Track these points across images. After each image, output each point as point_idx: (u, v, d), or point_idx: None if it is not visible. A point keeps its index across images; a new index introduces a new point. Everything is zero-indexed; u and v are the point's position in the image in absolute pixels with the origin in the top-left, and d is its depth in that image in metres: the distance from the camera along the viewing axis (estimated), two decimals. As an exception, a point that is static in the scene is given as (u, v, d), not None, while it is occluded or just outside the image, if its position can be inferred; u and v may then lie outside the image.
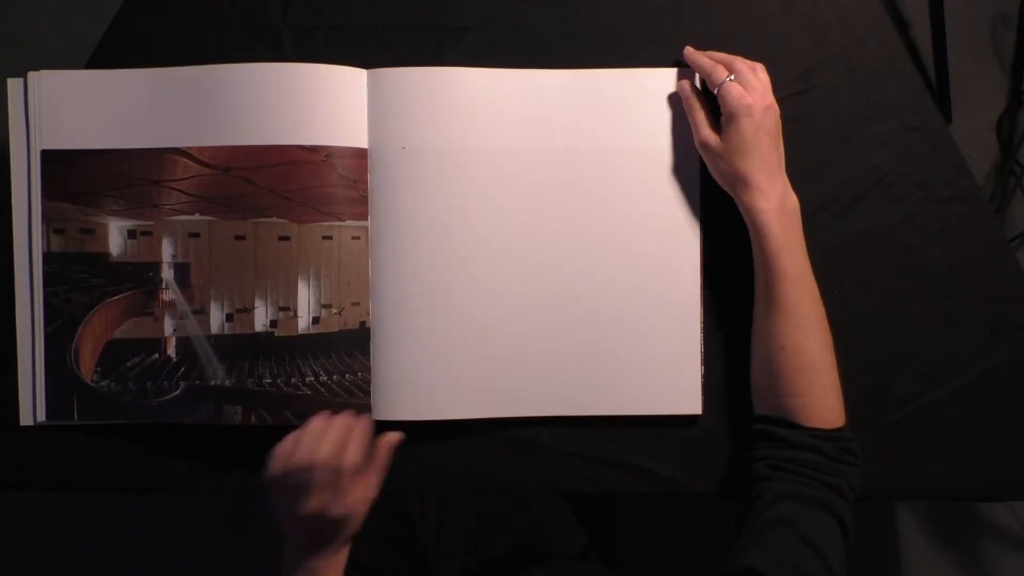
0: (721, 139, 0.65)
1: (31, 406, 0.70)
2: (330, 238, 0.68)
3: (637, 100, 0.70)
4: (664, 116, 0.70)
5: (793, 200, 0.65)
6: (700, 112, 0.67)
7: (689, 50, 0.69)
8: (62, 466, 0.72)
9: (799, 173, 0.70)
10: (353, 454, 0.62)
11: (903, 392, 0.71)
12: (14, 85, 0.69)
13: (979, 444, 0.70)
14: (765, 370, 0.65)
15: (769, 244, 0.63)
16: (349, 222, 0.68)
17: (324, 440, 0.62)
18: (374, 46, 0.73)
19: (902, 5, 1.51)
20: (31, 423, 0.70)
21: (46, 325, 0.69)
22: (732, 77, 0.65)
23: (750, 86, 0.65)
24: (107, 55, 0.73)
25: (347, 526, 0.63)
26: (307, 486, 0.60)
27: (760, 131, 0.64)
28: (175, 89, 0.68)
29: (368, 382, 0.69)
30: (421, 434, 0.70)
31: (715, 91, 0.66)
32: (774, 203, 0.64)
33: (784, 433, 0.62)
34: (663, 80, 0.70)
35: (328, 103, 0.68)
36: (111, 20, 0.73)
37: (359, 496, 0.63)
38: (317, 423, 0.64)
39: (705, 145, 0.66)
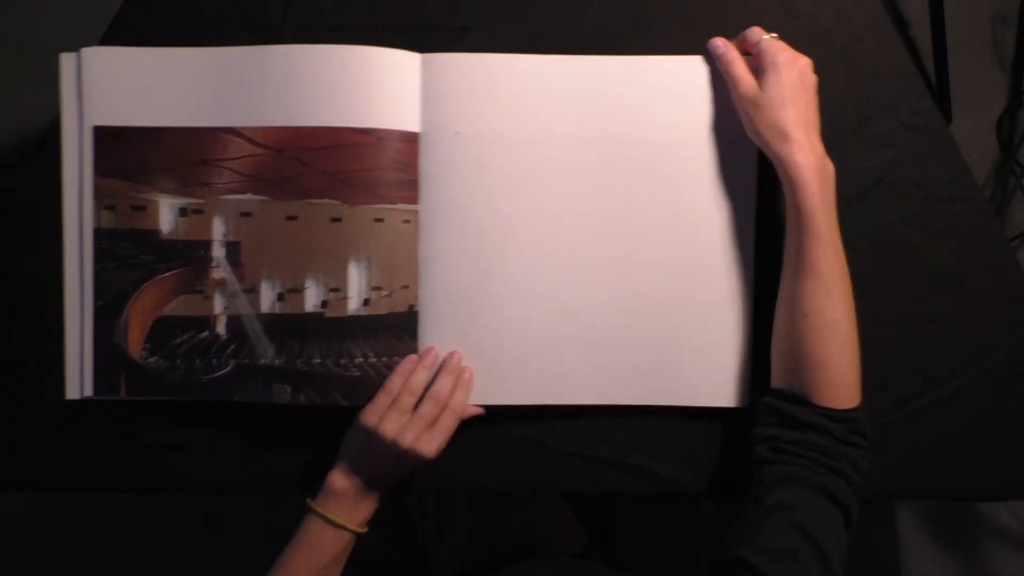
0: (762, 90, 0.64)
1: (78, 380, 0.70)
2: (381, 220, 0.68)
3: (689, 86, 0.69)
4: (717, 102, 0.69)
5: (831, 166, 0.64)
6: (739, 63, 0.66)
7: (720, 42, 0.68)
8: (62, 466, 0.72)
9: (799, 173, 0.70)
10: (460, 398, 0.66)
11: (903, 392, 0.71)
12: (67, 60, 0.69)
13: (979, 444, 0.70)
14: (786, 338, 0.63)
15: (807, 202, 0.61)
16: (400, 205, 0.68)
17: (441, 376, 0.66)
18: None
19: (902, 5, 1.51)
20: (77, 397, 0.70)
21: (95, 300, 0.69)
22: (771, 38, 0.65)
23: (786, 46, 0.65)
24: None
25: (409, 469, 0.66)
26: (413, 416, 0.64)
27: (800, 85, 0.64)
28: (229, 68, 0.68)
29: None
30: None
31: (754, 50, 0.65)
32: (813, 161, 0.62)
33: (793, 410, 0.61)
34: (714, 65, 0.69)
35: (382, 86, 0.67)
36: (111, 20, 0.73)
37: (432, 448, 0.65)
38: (431, 358, 0.67)
39: (747, 96, 0.64)
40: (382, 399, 0.65)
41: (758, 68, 0.65)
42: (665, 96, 0.69)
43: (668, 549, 1.40)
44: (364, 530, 0.66)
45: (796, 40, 0.72)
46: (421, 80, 0.68)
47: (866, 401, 0.62)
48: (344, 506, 0.64)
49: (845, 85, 0.72)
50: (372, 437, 0.64)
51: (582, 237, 0.69)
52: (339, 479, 0.65)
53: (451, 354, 0.68)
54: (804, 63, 0.64)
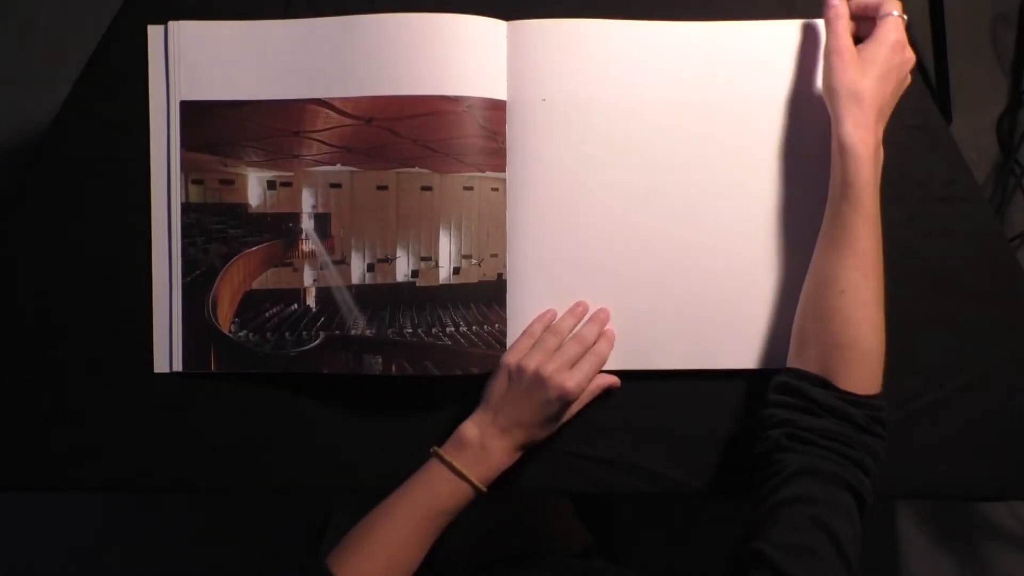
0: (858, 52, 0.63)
1: (167, 355, 0.70)
2: (471, 189, 0.68)
3: (774, 52, 0.69)
4: (802, 67, 0.69)
5: (882, 155, 0.63)
6: (846, 19, 0.64)
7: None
8: (61, 467, 0.72)
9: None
10: (604, 346, 0.67)
11: (903, 392, 0.71)
12: (155, 33, 0.70)
13: (979, 444, 0.70)
14: (815, 314, 0.62)
15: (859, 175, 0.60)
16: (489, 173, 0.68)
17: (587, 323, 0.68)
18: (374, 46, 0.72)
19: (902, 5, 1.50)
20: (166, 371, 0.70)
21: (184, 276, 0.70)
22: (901, 15, 0.64)
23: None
24: (106, 56, 0.73)
25: (554, 420, 0.65)
26: (554, 352, 0.65)
27: (896, 72, 0.63)
28: (316, 40, 0.68)
29: (504, 334, 0.70)
30: (420, 434, 0.71)
31: (875, 13, 0.64)
32: (872, 139, 0.61)
33: (814, 392, 0.59)
34: (803, 31, 0.69)
35: (469, 54, 0.68)
36: (110, 21, 0.73)
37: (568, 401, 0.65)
38: (580, 308, 0.68)
39: (839, 51, 0.63)
40: (523, 341, 0.67)
41: (865, 34, 0.64)
42: (753, 62, 0.69)
43: (669, 548, 1.40)
44: (484, 489, 0.64)
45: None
46: (507, 47, 0.68)
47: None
48: (471, 457, 0.63)
49: (845, 85, 0.71)
50: (513, 374, 0.65)
51: (668, 202, 0.69)
52: (470, 427, 0.64)
53: (600, 309, 0.69)
54: (910, 56, 0.64)
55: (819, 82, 0.68)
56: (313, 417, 0.72)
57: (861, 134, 0.61)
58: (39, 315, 0.72)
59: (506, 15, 0.69)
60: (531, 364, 0.64)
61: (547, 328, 0.67)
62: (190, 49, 0.69)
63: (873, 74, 0.62)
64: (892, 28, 0.63)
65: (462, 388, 0.70)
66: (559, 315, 0.69)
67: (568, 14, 0.69)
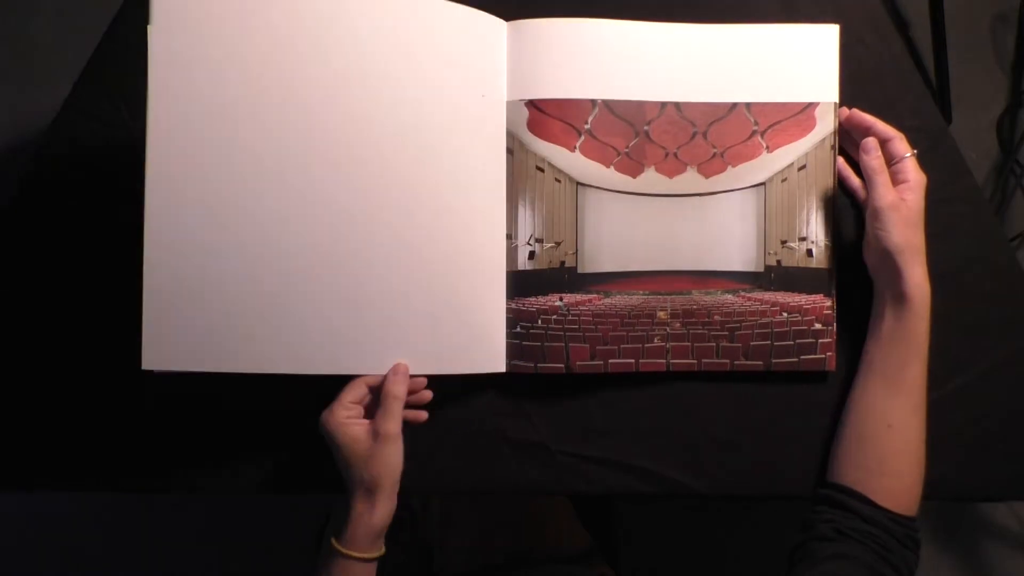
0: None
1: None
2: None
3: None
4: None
5: None
6: (887, 173, 0.65)
7: (857, 113, 0.69)
8: (61, 466, 0.72)
9: (799, 173, 0.70)
10: (397, 385, 0.62)
11: (903, 392, 0.71)
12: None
13: (979, 444, 0.70)
14: (861, 444, 0.64)
15: (921, 324, 0.64)
16: None
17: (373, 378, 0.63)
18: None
19: (902, 5, 1.51)
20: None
21: None
22: (913, 152, 0.66)
23: None
24: (106, 56, 0.73)
25: (382, 461, 0.61)
26: (356, 410, 0.62)
27: (921, 212, 0.65)
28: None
29: None
30: (420, 434, 0.71)
31: (895, 161, 0.66)
32: (928, 288, 0.64)
33: (858, 506, 0.62)
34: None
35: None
36: (110, 21, 0.73)
37: (390, 450, 0.61)
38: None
39: (895, 207, 0.63)
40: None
41: (898, 181, 0.65)
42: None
43: (670, 548, 1.40)
44: (382, 551, 0.64)
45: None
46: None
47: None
48: (362, 535, 0.61)
49: (845, 85, 0.71)
50: (328, 436, 0.62)
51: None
52: (353, 521, 0.62)
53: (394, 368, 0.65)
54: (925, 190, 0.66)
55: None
56: (223, 445, 0.71)
57: (924, 284, 0.64)
58: (29, 316, 0.72)
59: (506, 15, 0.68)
60: (331, 419, 0.61)
61: None
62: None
63: (917, 222, 0.64)
64: (915, 170, 0.65)
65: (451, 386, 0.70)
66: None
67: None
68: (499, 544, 0.87)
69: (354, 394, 0.63)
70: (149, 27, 0.59)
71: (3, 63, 1.51)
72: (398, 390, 0.62)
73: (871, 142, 0.65)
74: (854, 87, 0.72)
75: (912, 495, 0.63)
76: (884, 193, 0.63)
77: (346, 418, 0.61)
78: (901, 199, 0.64)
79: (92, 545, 1.44)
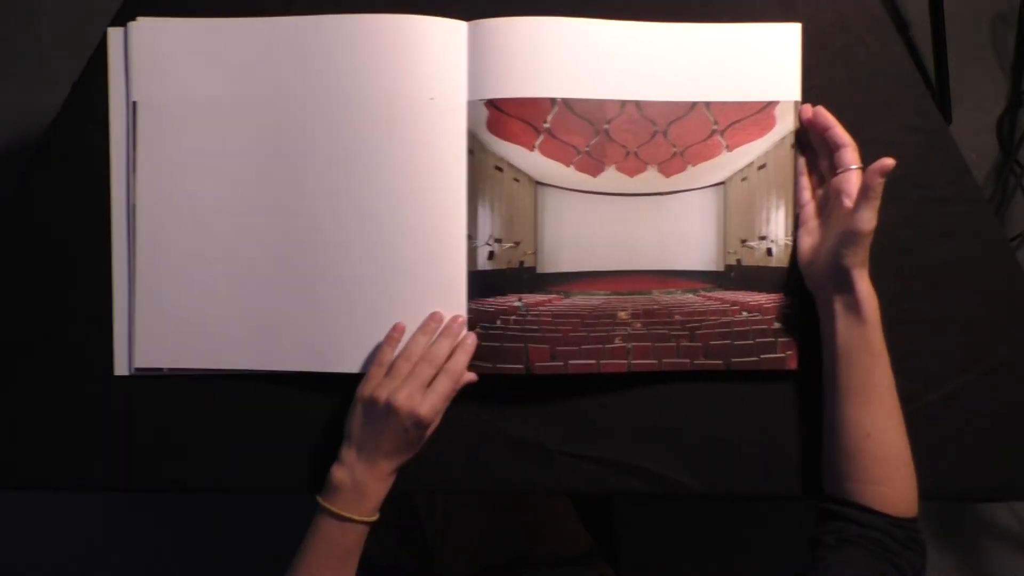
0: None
1: (126, 357, 0.71)
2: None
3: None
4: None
5: None
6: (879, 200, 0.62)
7: (822, 110, 0.67)
8: (60, 466, 0.72)
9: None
10: (459, 361, 0.66)
11: (903, 392, 0.70)
12: (114, 35, 0.70)
13: (979, 444, 0.70)
14: (844, 456, 0.64)
15: (877, 333, 0.63)
16: None
17: (439, 339, 0.67)
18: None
19: (902, 5, 1.51)
20: (126, 373, 0.71)
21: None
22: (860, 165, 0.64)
23: None
24: (106, 56, 0.73)
25: (415, 441, 0.65)
26: (407, 377, 0.64)
27: None
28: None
29: None
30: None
31: (841, 169, 0.65)
32: (874, 293, 0.64)
33: (856, 515, 0.62)
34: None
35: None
36: (110, 21, 0.73)
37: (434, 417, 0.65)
38: (433, 322, 0.67)
39: (871, 233, 0.62)
40: (374, 370, 0.66)
41: (841, 190, 0.64)
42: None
43: (670, 549, 1.40)
44: (374, 518, 0.65)
45: (796, 40, 0.72)
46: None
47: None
48: (349, 497, 0.64)
49: (845, 85, 0.72)
50: (367, 407, 0.65)
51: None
52: (339, 470, 0.65)
53: (453, 318, 0.68)
54: None
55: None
56: (223, 444, 0.72)
57: (874, 294, 0.64)
58: (19, 314, 0.72)
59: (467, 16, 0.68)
60: (383, 394, 0.63)
61: (401, 353, 0.66)
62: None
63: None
64: (876, 184, 0.62)
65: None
66: (408, 332, 0.68)
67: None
68: (500, 545, 0.87)
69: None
70: (108, 29, 0.68)
71: (3, 63, 1.51)
72: (470, 376, 0.68)
73: (889, 164, 0.61)
74: (854, 87, 0.72)
75: (906, 497, 0.63)
76: (871, 218, 0.62)
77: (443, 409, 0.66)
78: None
79: (93, 545, 1.44)
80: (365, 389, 0.65)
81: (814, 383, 0.69)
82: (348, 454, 0.65)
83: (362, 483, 0.64)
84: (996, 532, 1.41)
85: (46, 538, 1.44)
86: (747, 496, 0.71)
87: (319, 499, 0.65)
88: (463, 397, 0.70)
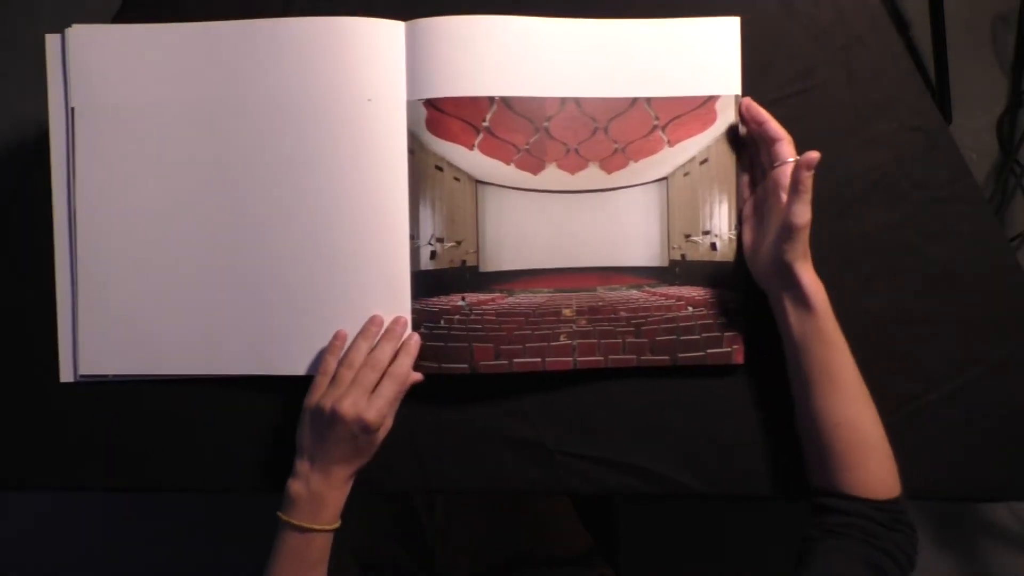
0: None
1: (71, 362, 0.71)
2: None
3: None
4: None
5: None
6: (810, 192, 0.62)
7: (754, 104, 0.67)
8: (59, 465, 0.72)
9: (799, 173, 0.70)
10: (402, 364, 0.66)
11: (903, 392, 0.71)
12: (52, 41, 0.70)
13: (979, 444, 0.70)
14: (818, 447, 0.64)
15: (829, 322, 0.63)
16: None
17: (381, 342, 0.67)
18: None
19: (902, 5, 1.51)
20: (71, 380, 0.71)
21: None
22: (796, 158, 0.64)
23: None
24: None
25: (367, 447, 0.65)
26: (350, 384, 0.64)
27: None
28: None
29: None
30: (420, 435, 0.71)
31: (778, 163, 0.64)
32: (820, 283, 0.64)
33: (837, 503, 0.62)
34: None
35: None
36: (110, 20, 0.73)
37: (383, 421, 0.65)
38: (374, 327, 0.67)
39: (807, 225, 0.62)
40: (319, 380, 0.66)
41: (778, 183, 0.64)
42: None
43: (671, 549, 1.40)
44: (336, 525, 0.65)
45: (796, 40, 0.72)
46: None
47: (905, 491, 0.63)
48: (308, 508, 0.64)
49: (845, 85, 0.72)
50: (314, 418, 0.65)
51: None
52: (295, 483, 0.65)
53: (395, 320, 0.68)
54: None
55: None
56: (222, 444, 0.72)
57: (820, 284, 0.64)
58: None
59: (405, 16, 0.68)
60: (328, 403, 0.63)
61: (342, 360, 0.66)
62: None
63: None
64: (807, 179, 0.61)
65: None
66: (350, 337, 0.68)
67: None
68: (500, 545, 0.87)
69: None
70: (47, 35, 0.69)
71: (3, 63, 1.51)
72: (416, 376, 0.68)
73: (814, 157, 0.61)
74: (854, 87, 0.72)
75: (884, 479, 0.62)
76: (804, 211, 0.62)
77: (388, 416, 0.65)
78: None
79: (92, 545, 1.44)
80: (311, 400, 0.65)
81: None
82: (302, 466, 0.65)
83: (319, 493, 0.64)
84: (996, 532, 1.41)
85: (46, 538, 1.44)
86: (747, 496, 0.71)
87: (280, 514, 0.65)
88: (462, 397, 0.71)
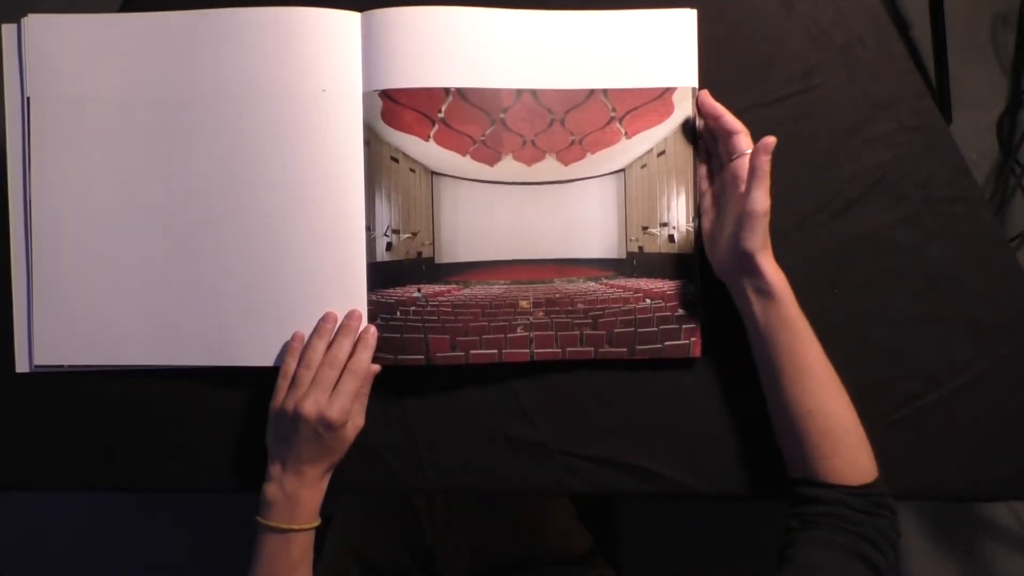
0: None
1: (26, 352, 0.71)
2: None
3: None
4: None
5: None
6: (768, 179, 0.62)
7: (708, 98, 0.67)
8: (59, 465, 0.72)
9: (799, 173, 0.70)
10: (360, 358, 0.66)
11: (903, 392, 0.71)
12: (8, 31, 0.70)
13: (979, 444, 0.70)
14: (791, 436, 0.64)
15: (792, 310, 0.63)
16: None
17: (338, 338, 0.67)
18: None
19: (902, 5, 1.51)
20: (26, 370, 0.71)
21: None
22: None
23: None
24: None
25: (336, 444, 0.65)
26: (310, 384, 0.64)
27: None
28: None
29: None
30: (420, 435, 0.71)
31: (736, 155, 0.64)
32: (781, 272, 0.64)
33: (815, 492, 0.62)
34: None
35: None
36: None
37: (350, 419, 0.66)
38: (328, 324, 0.67)
39: (766, 212, 0.62)
40: (280, 383, 0.66)
41: (737, 175, 0.64)
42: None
43: (671, 548, 1.40)
44: (316, 523, 0.66)
45: (796, 40, 0.72)
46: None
47: (883, 475, 0.63)
48: (285, 510, 0.64)
49: (845, 85, 0.72)
50: (278, 421, 0.65)
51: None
52: (269, 487, 0.65)
53: (348, 314, 0.68)
54: None
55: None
56: (222, 444, 0.72)
57: (780, 272, 0.63)
58: None
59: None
60: (290, 405, 0.64)
61: (300, 361, 0.66)
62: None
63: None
64: (765, 164, 0.61)
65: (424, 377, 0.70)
66: (307, 337, 0.67)
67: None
68: (500, 545, 0.87)
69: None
70: (2, 25, 0.69)
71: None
72: (374, 368, 0.68)
73: (771, 142, 0.61)
74: (854, 87, 0.72)
75: (859, 464, 0.62)
76: (763, 198, 0.61)
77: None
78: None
79: (93, 545, 1.44)
80: (274, 403, 0.66)
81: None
82: (274, 469, 0.65)
83: (293, 494, 0.64)
84: (996, 532, 1.41)
85: (46, 538, 1.44)
86: (747, 496, 0.71)
87: (258, 519, 0.65)
88: (462, 397, 0.71)
